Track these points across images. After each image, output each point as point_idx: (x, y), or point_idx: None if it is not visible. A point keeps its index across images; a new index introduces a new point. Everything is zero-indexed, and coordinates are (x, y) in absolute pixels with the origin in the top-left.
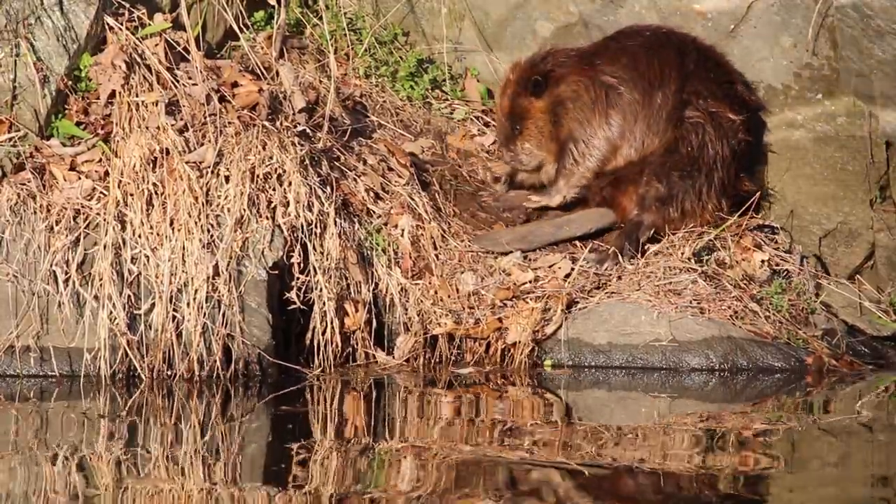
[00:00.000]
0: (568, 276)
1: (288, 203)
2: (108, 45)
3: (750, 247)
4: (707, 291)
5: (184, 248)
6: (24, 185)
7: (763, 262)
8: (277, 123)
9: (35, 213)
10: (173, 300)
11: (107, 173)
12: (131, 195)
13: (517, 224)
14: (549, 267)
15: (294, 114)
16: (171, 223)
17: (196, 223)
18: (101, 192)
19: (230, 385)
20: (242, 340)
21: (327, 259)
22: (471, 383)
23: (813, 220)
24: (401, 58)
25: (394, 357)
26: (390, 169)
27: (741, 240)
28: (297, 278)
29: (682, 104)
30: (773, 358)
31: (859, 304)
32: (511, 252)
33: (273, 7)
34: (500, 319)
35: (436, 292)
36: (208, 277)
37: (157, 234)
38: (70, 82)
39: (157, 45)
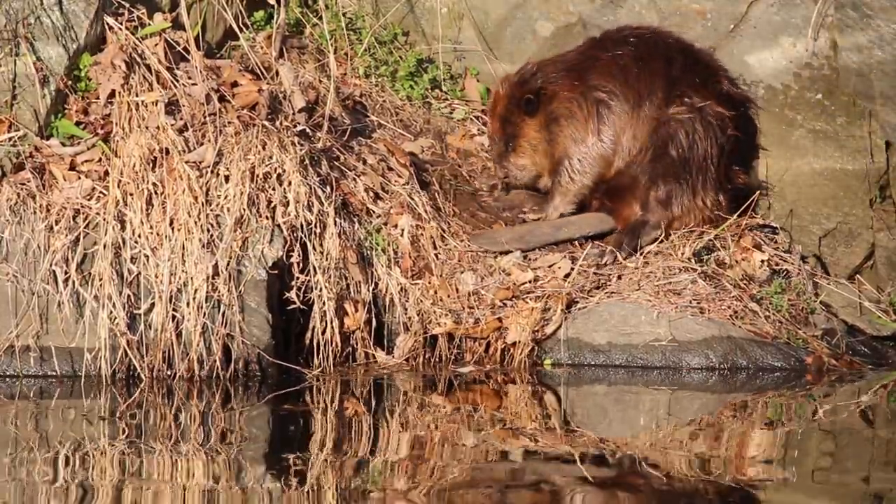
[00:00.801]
0: (568, 275)
1: (288, 203)
2: (107, 44)
3: (750, 247)
4: (707, 291)
5: (183, 248)
6: (23, 184)
7: (763, 261)
8: (277, 123)
9: (35, 212)
10: (173, 300)
11: (106, 173)
12: (131, 195)
13: (517, 224)
14: (549, 267)
15: (294, 113)
16: (171, 223)
17: (196, 223)
18: (100, 192)
19: (230, 385)
20: (242, 340)
21: (327, 259)
22: (470, 381)
23: (813, 219)
24: (400, 57)
25: (394, 357)
26: (390, 169)
27: (741, 240)
28: (297, 278)
29: (667, 106)
30: (773, 358)
31: (859, 304)
32: (509, 251)
33: (273, 7)
34: (499, 319)
35: (435, 292)
36: (208, 277)
37: (157, 234)
38: (70, 82)
39: (156, 44)
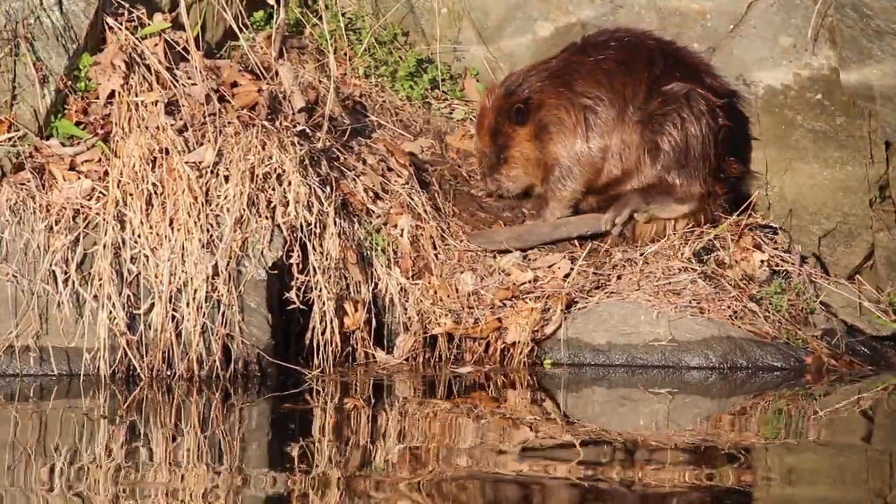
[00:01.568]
0: (567, 276)
1: (287, 203)
2: (107, 44)
3: (749, 247)
4: (706, 291)
5: (183, 248)
6: (23, 184)
7: (762, 262)
8: (277, 123)
9: (34, 212)
10: (173, 300)
11: (106, 173)
12: (131, 195)
13: (516, 224)
14: (549, 267)
15: (293, 114)
16: (171, 223)
17: (195, 223)
18: (100, 192)
19: (229, 385)
20: (242, 340)
21: (327, 259)
22: (469, 382)
23: (812, 219)
24: (400, 58)
25: (393, 357)
26: (390, 169)
27: (741, 240)
28: (297, 278)
29: (648, 104)
30: (773, 358)
31: (859, 304)
32: (508, 251)
33: (272, 7)
34: (499, 319)
35: (435, 292)
36: (208, 277)
37: (157, 234)
38: (69, 82)
39: (156, 44)
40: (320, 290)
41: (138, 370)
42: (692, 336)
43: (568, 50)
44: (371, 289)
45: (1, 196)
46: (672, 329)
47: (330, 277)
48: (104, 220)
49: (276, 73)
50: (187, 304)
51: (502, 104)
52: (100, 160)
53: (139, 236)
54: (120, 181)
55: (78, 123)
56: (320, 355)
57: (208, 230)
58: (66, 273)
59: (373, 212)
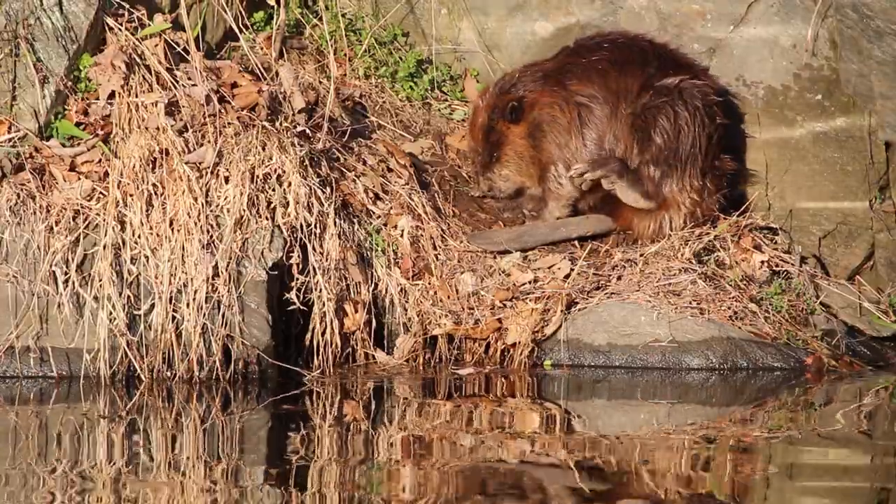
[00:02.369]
0: (567, 276)
1: (287, 203)
2: (107, 45)
3: (749, 247)
4: (707, 292)
5: (183, 249)
6: (23, 185)
7: (763, 262)
8: (277, 124)
9: (35, 213)
10: (173, 301)
11: (106, 174)
12: (131, 196)
13: (516, 225)
14: (549, 268)
15: (294, 114)
16: (171, 224)
17: (196, 224)
18: (100, 193)
19: (229, 386)
20: (242, 341)
21: (327, 259)
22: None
23: (812, 220)
24: (400, 58)
25: (394, 357)
26: (390, 169)
27: (741, 240)
28: (297, 279)
29: (640, 99)
30: (773, 358)
31: (859, 305)
32: (508, 252)
33: (273, 7)
34: (499, 320)
35: (435, 293)
36: (208, 278)
37: (157, 235)
38: (70, 83)
39: (156, 45)
40: (320, 290)
41: (138, 371)
42: (692, 337)
43: (562, 52)
44: (371, 289)
45: (1, 197)
46: (672, 330)
47: (330, 278)
48: (104, 220)
49: (277, 74)
50: (187, 305)
51: (496, 102)
52: (100, 161)
53: (139, 237)
54: (120, 182)
55: (78, 124)
56: (320, 356)
57: (208, 231)
58: (66, 274)
59: (373, 212)
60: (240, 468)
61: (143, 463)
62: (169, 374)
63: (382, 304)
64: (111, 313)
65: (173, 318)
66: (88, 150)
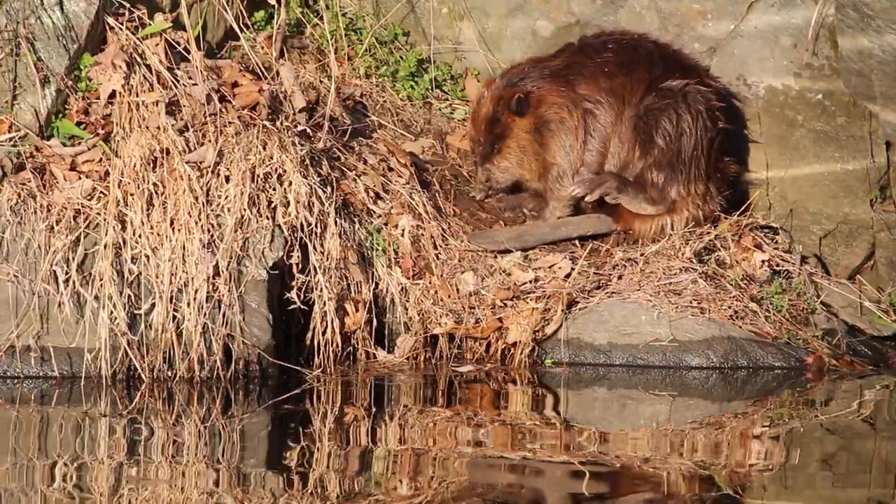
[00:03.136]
0: (568, 276)
1: (288, 203)
2: (108, 44)
3: (750, 247)
4: (707, 291)
5: (184, 248)
6: (24, 184)
7: (763, 262)
8: (278, 123)
9: (35, 213)
10: (173, 300)
11: (107, 173)
12: (131, 195)
13: (517, 224)
14: (550, 267)
15: (294, 114)
16: (172, 223)
17: (196, 223)
18: (101, 192)
19: (230, 385)
20: (242, 340)
21: (327, 259)
22: (471, 380)
23: (813, 219)
24: (401, 58)
25: (394, 357)
26: (390, 169)
27: (741, 240)
28: (298, 278)
29: (644, 101)
30: (774, 358)
31: (859, 304)
32: (508, 251)
33: (273, 7)
34: (500, 319)
35: (436, 292)
36: (208, 277)
37: (158, 234)
38: (70, 82)
39: (157, 44)
40: (321, 290)
41: (139, 370)
42: (693, 336)
43: (566, 50)
44: (372, 289)
45: (2, 196)
46: (673, 329)
47: (331, 277)
48: (105, 220)
49: (277, 73)
50: (188, 305)
51: (502, 94)
52: (100, 160)
53: (140, 236)
54: (121, 181)
55: (79, 123)
56: (321, 355)
57: (209, 230)
58: (66, 273)
59: (373, 212)
60: (240, 467)
61: (143, 463)
62: (170, 373)
63: (383, 304)
64: (112, 313)
65: (174, 317)
66: (89, 149)
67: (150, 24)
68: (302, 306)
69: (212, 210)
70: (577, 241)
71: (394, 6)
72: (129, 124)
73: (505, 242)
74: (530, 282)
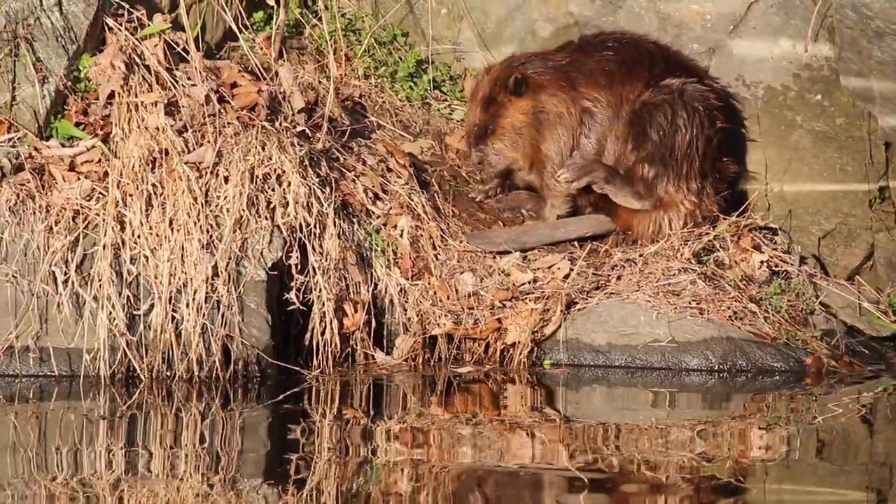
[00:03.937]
0: (567, 276)
1: (287, 203)
2: (107, 45)
3: (749, 247)
4: (706, 292)
5: (183, 249)
6: (23, 185)
7: (762, 262)
8: (277, 124)
9: (34, 213)
10: (172, 301)
11: (106, 174)
12: (130, 196)
13: (516, 225)
14: (548, 268)
15: (293, 114)
16: (171, 224)
17: (195, 224)
18: (100, 193)
19: (229, 385)
20: (241, 341)
21: (326, 259)
22: (469, 380)
23: (812, 220)
24: (400, 58)
25: (393, 357)
26: (389, 169)
27: (740, 240)
28: (296, 279)
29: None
30: (773, 358)
31: (858, 305)
32: (507, 252)
33: (272, 8)
34: (499, 320)
35: (435, 293)
36: (207, 278)
37: (157, 235)
38: (69, 83)
39: (156, 45)
40: (320, 290)
41: (138, 371)
42: (692, 337)
43: (567, 47)
44: (370, 289)
45: (1, 196)
46: (672, 330)
47: (329, 278)
48: (104, 220)
49: (276, 74)
50: (187, 305)
51: (500, 74)
52: (99, 161)
53: (139, 237)
54: (120, 182)
55: (78, 124)
56: (320, 356)
57: (208, 231)
58: (65, 274)
59: (372, 212)
60: (240, 467)
61: (143, 462)
62: (168, 373)
63: (382, 304)
64: (111, 313)
65: (173, 317)
66: (88, 150)
67: (148, 25)
68: (301, 307)
69: (211, 210)
70: (575, 242)
71: (393, 7)
72: (128, 125)
73: (504, 243)
74: (529, 282)
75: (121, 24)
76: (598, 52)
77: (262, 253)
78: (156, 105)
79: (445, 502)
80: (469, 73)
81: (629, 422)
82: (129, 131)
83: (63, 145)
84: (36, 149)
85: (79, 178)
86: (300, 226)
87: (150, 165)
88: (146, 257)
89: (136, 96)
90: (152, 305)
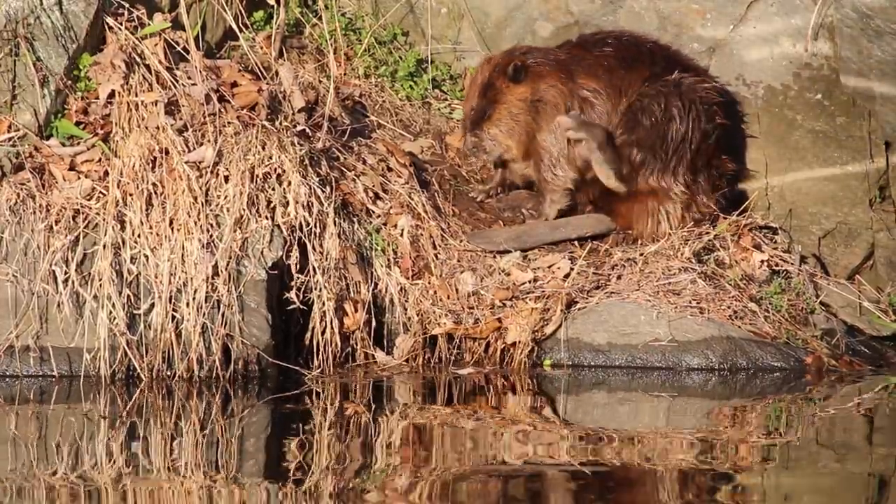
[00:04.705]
0: (567, 276)
1: (287, 203)
2: (107, 44)
3: (749, 247)
4: (706, 291)
5: (183, 248)
6: (23, 184)
7: (762, 262)
8: (277, 123)
9: (34, 212)
10: (173, 300)
11: (106, 173)
12: (131, 195)
13: (516, 224)
14: (549, 267)
15: (293, 114)
16: (171, 223)
17: (195, 223)
18: (100, 192)
19: (229, 385)
20: (242, 340)
21: (326, 259)
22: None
23: (812, 219)
24: (400, 58)
25: (393, 357)
26: (389, 169)
27: (740, 240)
28: (297, 278)
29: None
30: (773, 358)
31: (859, 305)
32: (507, 251)
33: (272, 7)
34: (499, 319)
35: (435, 292)
36: (207, 277)
37: (157, 234)
38: (69, 82)
39: (156, 44)
40: (320, 290)
41: (138, 370)
42: (692, 336)
43: (567, 44)
44: (371, 289)
45: (1, 196)
46: (672, 329)
47: (330, 277)
48: (104, 220)
49: (276, 73)
50: (187, 305)
51: (500, 62)
52: (100, 160)
53: (139, 236)
54: (120, 181)
55: (78, 123)
56: (320, 356)
57: (208, 230)
58: (66, 273)
59: (372, 212)
60: (239, 467)
61: (143, 462)
62: (169, 373)
63: (382, 304)
64: (111, 312)
65: (173, 317)
66: (88, 149)
67: (149, 24)
68: (301, 306)
69: (211, 210)
70: (576, 242)
71: (393, 6)
72: (128, 124)
73: (504, 242)
74: (529, 282)
75: (121, 24)
76: (597, 48)
77: (262, 252)
78: (156, 104)
79: (445, 502)
80: (469, 72)
81: (627, 429)
82: (130, 131)
83: (63, 144)
84: (36, 148)
85: (79, 178)
86: (300, 225)
87: (151, 165)
88: (146, 257)
89: (137, 96)
90: (152, 305)
